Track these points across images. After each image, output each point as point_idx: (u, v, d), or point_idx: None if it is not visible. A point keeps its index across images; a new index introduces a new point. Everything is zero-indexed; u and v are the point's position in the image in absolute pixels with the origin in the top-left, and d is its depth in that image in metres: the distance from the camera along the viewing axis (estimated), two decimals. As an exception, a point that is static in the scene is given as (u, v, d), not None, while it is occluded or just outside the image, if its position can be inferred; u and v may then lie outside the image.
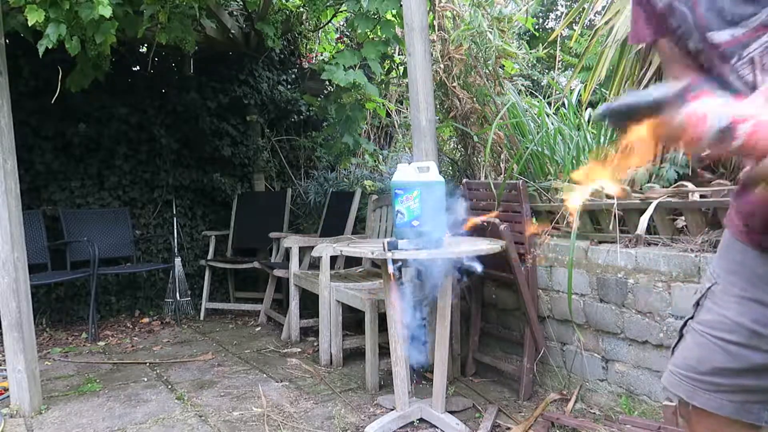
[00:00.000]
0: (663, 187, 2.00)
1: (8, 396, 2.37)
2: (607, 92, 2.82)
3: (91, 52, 2.57)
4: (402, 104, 4.70)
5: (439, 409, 2.05)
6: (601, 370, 2.09)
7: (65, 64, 2.84)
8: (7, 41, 2.36)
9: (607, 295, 2.06)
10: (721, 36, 0.77)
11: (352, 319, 3.15)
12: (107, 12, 2.22)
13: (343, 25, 4.71)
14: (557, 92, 3.67)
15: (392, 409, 2.13)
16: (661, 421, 1.75)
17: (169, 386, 2.61)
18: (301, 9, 4.43)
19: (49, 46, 2.27)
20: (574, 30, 4.26)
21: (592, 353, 2.12)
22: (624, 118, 0.72)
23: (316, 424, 2.11)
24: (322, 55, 4.92)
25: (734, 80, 0.78)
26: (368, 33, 3.51)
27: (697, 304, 0.92)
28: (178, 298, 4.02)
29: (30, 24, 2.19)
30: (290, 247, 3.33)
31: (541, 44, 3.94)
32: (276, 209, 4.21)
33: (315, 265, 3.20)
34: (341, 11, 4.21)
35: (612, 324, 2.04)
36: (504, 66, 3.62)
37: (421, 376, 2.49)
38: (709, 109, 0.67)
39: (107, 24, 2.37)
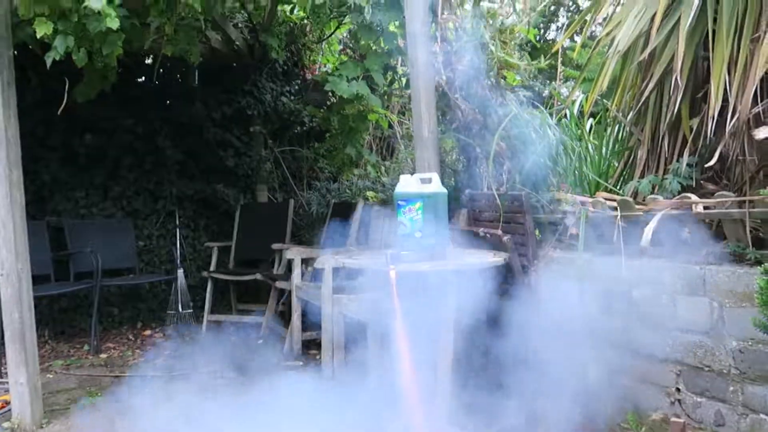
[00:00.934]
0: (666, 198, 1.99)
1: (10, 410, 2.36)
2: (609, 103, 2.83)
3: (98, 63, 2.60)
4: (404, 115, 4.72)
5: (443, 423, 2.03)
6: (607, 384, 2.06)
7: (72, 76, 2.86)
8: (15, 53, 2.39)
9: (611, 307, 2.03)
10: None
11: (356, 331, 3.12)
12: (115, 24, 2.25)
13: (346, 37, 4.76)
14: (559, 103, 3.68)
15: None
16: (669, 437, 1.73)
17: (172, 400, 2.58)
18: (305, 21, 4.48)
19: (57, 58, 2.29)
20: (576, 42, 4.28)
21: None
22: None
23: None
24: (325, 67, 4.95)
25: None
26: (371, 44, 3.54)
27: None
28: (180, 309, 4.01)
29: (38, 36, 2.21)
30: (292, 259, 3.32)
31: (543, 55, 3.96)
32: (278, 220, 4.22)
33: (318, 276, 3.19)
34: (344, 23, 4.25)
35: (618, 337, 2.02)
36: (506, 77, 3.64)
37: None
38: None
39: (114, 36, 2.40)
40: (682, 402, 1.83)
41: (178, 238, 4.31)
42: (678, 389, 1.84)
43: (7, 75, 2.29)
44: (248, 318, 4.01)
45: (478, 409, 2.21)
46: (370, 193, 4.05)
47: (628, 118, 2.58)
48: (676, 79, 2.13)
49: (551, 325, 2.27)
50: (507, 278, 2.27)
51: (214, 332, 3.98)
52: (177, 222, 4.35)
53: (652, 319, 1.89)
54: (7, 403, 2.43)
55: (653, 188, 2.11)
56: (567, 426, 1.96)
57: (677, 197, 1.97)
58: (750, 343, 1.64)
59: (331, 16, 4.10)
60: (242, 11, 4.05)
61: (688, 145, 2.20)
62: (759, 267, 1.49)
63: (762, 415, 1.61)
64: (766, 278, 1.46)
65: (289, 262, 3.39)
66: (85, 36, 2.35)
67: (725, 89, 2.01)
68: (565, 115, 3.15)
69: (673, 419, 1.73)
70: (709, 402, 1.75)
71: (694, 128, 2.21)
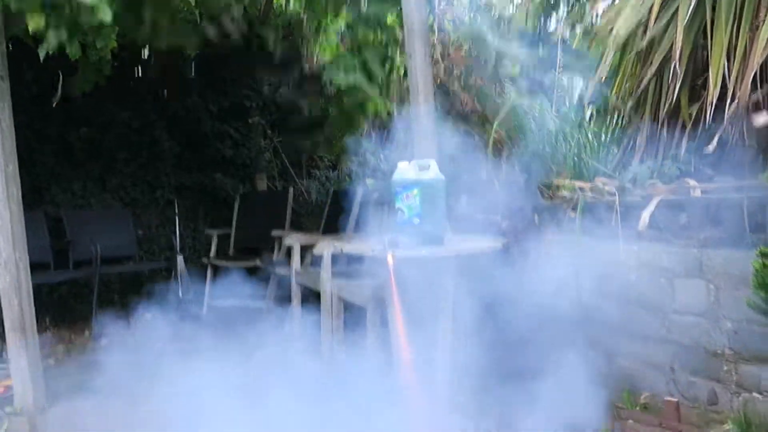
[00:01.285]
0: (665, 183, 2.01)
1: (12, 394, 2.37)
2: (608, 92, 2.84)
3: (92, 56, 2.58)
4: (403, 104, 4.71)
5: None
6: (604, 364, 2.09)
7: (67, 69, 2.85)
8: (10, 46, 2.37)
9: (609, 291, 2.06)
10: None
11: (355, 316, 3.14)
12: (107, 17, 2.23)
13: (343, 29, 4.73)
14: (558, 92, 3.69)
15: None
16: (663, 416, 1.75)
17: (173, 384, 2.60)
18: (302, 15, 4.46)
19: (50, 51, 2.27)
20: (576, 30, 4.28)
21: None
22: None
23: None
24: (322, 58, 4.93)
25: None
26: (369, 36, 3.53)
27: None
28: (181, 296, 4.03)
29: (30, 30, 2.19)
30: (292, 245, 3.34)
31: (541, 44, 3.96)
32: (278, 208, 4.23)
33: (318, 262, 3.20)
34: (341, 15, 4.23)
35: (615, 319, 2.04)
36: (504, 66, 3.64)
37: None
38: None
39: (108, 29, 2.37)
40: (676, 381, 1.86)
41: (177, 226, 4.31)
42: (673, 369, 1.87)
43: (0, 68, 2.28)
44: (248, 303, 4.02)
45: (478, 392, 2.23)
46: (369, 181, 4.06)
47: (628, 106, 2.60)
48: (675, 66, 2.15)
49: (550, 309, 2.29)
50: (505, 263, 2.29)
51: (215, 317, 3.99)
52: (176, 210, 4.36)
53: (649, 301, 1.92)
54: (10, 387, 2.44)
55: (652, 174, 2.13)
56: (564, 406, 1.99)
57: (676, 182, 1.98)
58: (745, 324, 1.66)
59: (328, 9, 4.08)
60: (238, 4, 4.03)
61: (687, 132, 2.22)
62: (755, 250, 1.51)
63: (755, 394, 1.64)
64: (762, 261, 1.48)
65: (289, 249, 3.41)
66: (79, 29, 2.33)
67: (724, 76, 2.02)
68: (565, 103, 3.16)
69: (667, 398, 1.76)
70: (703, 381, 1.78)
71: (693, 115, 2.23)
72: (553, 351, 2.13)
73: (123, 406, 2.37)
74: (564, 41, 4.16)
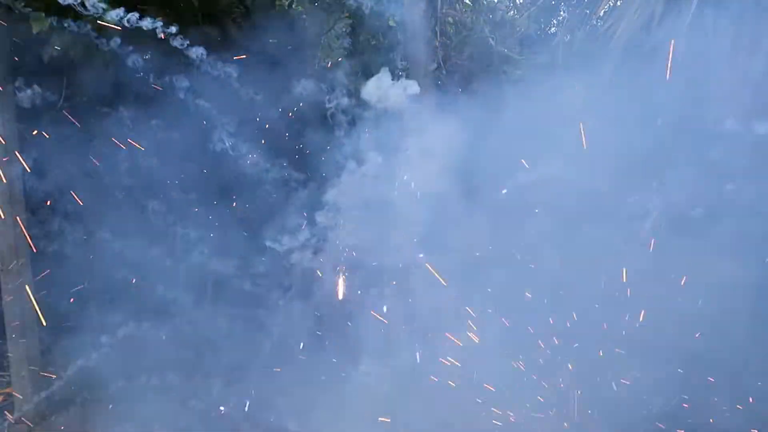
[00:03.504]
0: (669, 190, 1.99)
1: (12, 402, 2.37)
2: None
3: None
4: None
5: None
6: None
7: (70, 72, 2.84)
8: (12, 50, 2.38)
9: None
10: None
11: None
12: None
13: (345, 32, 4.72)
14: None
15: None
16: None
17: (175, 389, 2.58)
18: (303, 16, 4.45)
19: (54, 54, 2.27)
20: (577, 35, 4.25)
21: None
22: None
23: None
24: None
25: None
26: (371, 39, 3.51)
27: None
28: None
29: (34, 32, 2.20)
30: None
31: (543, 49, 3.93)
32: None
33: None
34: (344, 17, 4.21)
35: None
36: (506, 71, 3.62)
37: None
38: None
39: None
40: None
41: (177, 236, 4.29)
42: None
43: (3, 72, 2.29)
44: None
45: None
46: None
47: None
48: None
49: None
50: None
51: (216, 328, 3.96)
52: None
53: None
54: (10, 395, 2.43)
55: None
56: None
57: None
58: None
59: (330, 11, 4.07)
60: (240, 7, 4.02)
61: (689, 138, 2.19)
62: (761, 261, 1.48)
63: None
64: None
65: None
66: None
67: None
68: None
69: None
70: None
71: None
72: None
73: (126, 413, 2.35)
74: (566, 45, 4.14)
